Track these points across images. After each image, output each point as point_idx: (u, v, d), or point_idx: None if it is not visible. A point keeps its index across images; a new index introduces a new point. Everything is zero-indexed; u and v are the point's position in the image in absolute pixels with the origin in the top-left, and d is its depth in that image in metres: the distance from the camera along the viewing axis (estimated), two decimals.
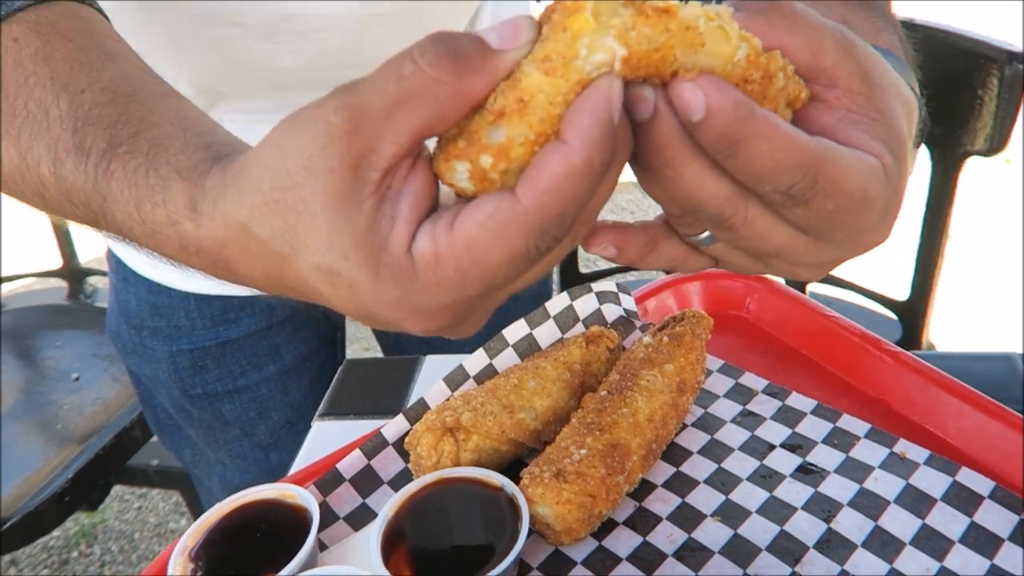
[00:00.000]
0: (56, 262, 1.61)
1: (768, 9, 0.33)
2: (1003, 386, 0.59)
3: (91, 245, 1.79)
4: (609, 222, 0.35)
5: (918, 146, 0.41)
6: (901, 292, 1.21)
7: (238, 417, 0.90)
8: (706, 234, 0.36)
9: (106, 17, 0.48)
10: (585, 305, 0.62)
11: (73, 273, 1.60)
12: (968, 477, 0.50)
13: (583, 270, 1.37)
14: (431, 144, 0.32)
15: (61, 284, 1.62)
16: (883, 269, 1.34)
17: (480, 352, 0.59)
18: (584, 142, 0.28)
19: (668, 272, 0.68)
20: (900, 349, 0.58)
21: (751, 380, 0.59)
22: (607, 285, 0.63)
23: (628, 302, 0.63)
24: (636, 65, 0.29)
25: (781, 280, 1.08)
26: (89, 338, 1.46)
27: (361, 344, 2.22)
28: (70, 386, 1.39)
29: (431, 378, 0.67)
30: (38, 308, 1.56)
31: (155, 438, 1.13)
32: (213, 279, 0.37)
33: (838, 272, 1.29)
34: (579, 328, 0.61)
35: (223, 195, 0.34)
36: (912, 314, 1.20)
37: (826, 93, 0.34)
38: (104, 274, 1.59)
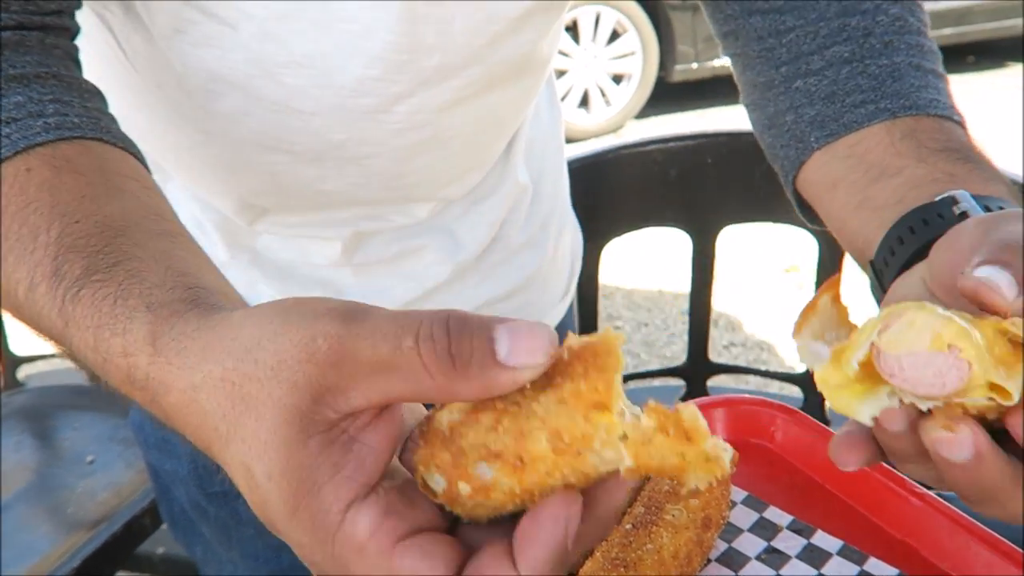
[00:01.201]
0: None
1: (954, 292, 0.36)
2: None
3: None
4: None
5: None
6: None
7: (253, 517, 0.89)
8: None
9: (138, 156, 0.48)
10: None
11: None
12: None
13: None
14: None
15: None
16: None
17: None
18: (530, 573, 0.29)
19: None
20: (928, 491, 0.57)
21: (775, 515, 0.59)
22: None
23: None
24: (645, 471, 0.28)
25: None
26: (107, 421, 1.46)
27: None
28: (84, 469, 1.38)
29: None
30: (59, 388, 1.57)
31: (164, 526, 1.12)
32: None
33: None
34: None
35: (190, 345, 0.33)
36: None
37: None
38: None
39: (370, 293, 0.74)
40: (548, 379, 0.28)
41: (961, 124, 0.53)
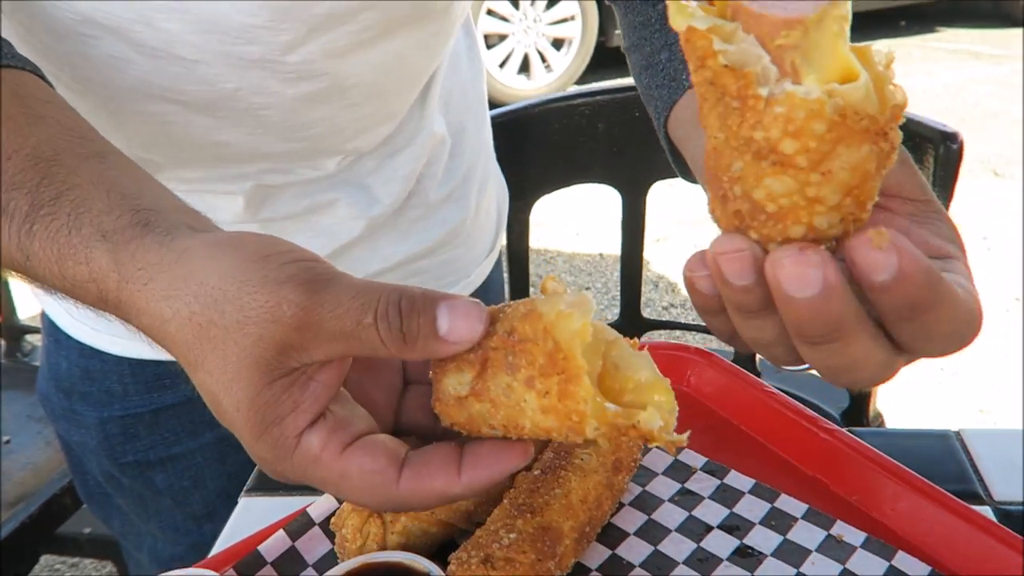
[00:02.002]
0: None
1: None
2: (938, 464, 0.59)
3: (32, 302, 1.74)
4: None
5: None
6: None
7: (170, 486, 0.86)
8: None
9: (43, 76, 0.48)
10: None
11: (11, 331, 1.55)
12: (904, 562, 0.49)
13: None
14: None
15: None
16: None
17: None
18: (468, 490, 0.35)
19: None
20: (836, 427, 0.58)
21: (690, 457, 0.58)
22: None
23: None
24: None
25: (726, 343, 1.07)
26: (23, 399, 1.40)
27: None
28: (1, 449, 1.32)
29: None
30: None
31: (86, 506, 1.08)
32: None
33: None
34: None
35: (156, 276, 0.36)
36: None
37: (888, 202, 0.36)
38: None
39: None
40: (529, 371, 0.33)
41: None
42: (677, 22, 0.30)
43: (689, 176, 0.62)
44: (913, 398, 2.12)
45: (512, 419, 0.34)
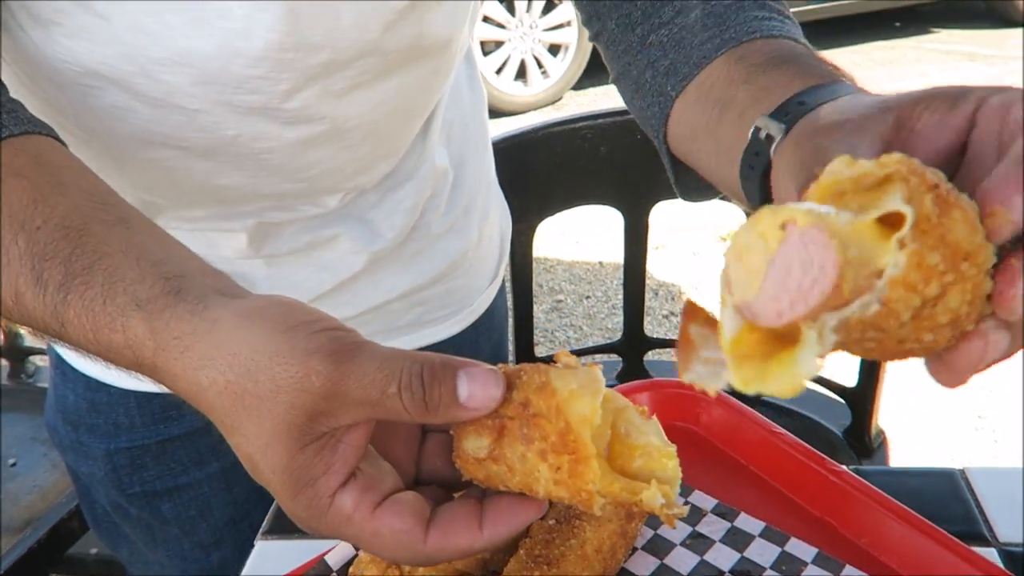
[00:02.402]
0: None
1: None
2: (944, 505, 0.59)
3: None
4: None
5: None
6: (849, 378, 1.23)
7: (178, 516, 0.87)
8: None
9: (60, 140, 0.49)
10: None
11: (16, 352, 1.55)
12: None
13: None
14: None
15: (2, 363, 1.56)
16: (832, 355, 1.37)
17: None
18: (490, 544, 0.38)
19: None
20: (845, 469, 0.58)
21: (701, 499, 0.59)
22: None
23: None
24: None
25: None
26: (28, 421, 1.40)
27: None
28: (6, 472, 1.32)
29: None
30: None
31: None
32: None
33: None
34: None
35: (192, 345, 0.38)
36: (861, 400, 1.22)
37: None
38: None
39: (282, 285, 0.71)
40: (542, 444, 0.36)
41: (806, 47, 0.52)
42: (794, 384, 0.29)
43: (690, 195, 0.62)
44: (913, 407, 2.13)
45: (527, 484, 0.37)
